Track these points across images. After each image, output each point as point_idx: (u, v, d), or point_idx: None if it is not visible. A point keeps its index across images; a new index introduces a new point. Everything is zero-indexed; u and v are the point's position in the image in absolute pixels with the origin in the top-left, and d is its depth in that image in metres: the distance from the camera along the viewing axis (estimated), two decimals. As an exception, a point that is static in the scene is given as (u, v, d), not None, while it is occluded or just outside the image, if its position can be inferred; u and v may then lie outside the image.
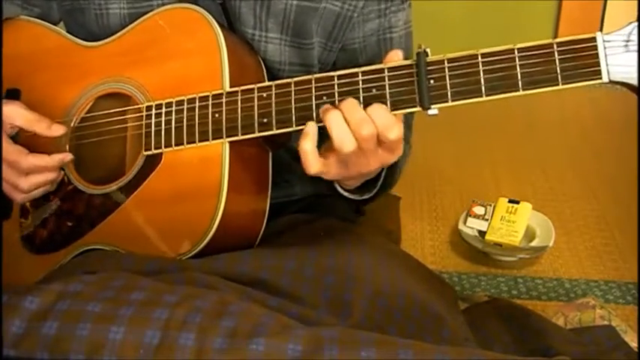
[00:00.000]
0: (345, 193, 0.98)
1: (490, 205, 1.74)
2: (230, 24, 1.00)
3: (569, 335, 1.15)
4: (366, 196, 1.00)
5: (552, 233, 1.68)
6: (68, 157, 0.99)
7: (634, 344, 1.18)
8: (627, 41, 0.78)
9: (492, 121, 2.30)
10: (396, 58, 0.86)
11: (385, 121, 0.82)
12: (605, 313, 1.25)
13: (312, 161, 0.84)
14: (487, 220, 1.71)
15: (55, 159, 0.97)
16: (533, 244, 1.68)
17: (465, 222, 1.74)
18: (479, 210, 1.73)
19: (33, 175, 0.97)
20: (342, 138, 0.82)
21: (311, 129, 0.85)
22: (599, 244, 1.73)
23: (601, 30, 0.80)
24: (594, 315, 1.25)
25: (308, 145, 0.84)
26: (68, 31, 1.08)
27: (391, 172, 0.98)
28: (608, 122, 2.35)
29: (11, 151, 0.95)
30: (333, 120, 0.83)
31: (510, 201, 1.73)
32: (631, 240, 1.71)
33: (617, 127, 2.31)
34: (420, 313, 0.92)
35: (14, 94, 1.05)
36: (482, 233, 1.71)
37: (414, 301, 0.93)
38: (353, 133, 0.82)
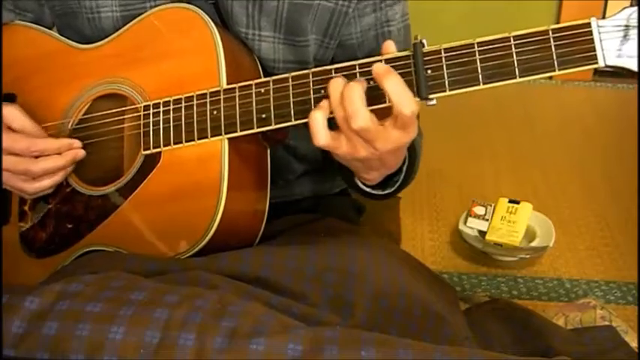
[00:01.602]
0: (367, 189, 0.97)
1: (490, 205, 1.74)
2: (223, 23, 1.00)
3: (569, 335, 1.15)
4: (388, 191, 0.99)
5: (552, 233, 1.68)
6: (80, 153, 0.98)
7: (634, 344, 1.17)
8: (621, 26, 0.79)
9: (493, 122, 2.30)
10: (391, 48, 0.85)
11: (400, 95, 0.80)
12: (605, 314, 1.25)
13: (321, 132, 0.83)
14: (487, 220, 1.71)
15: (68, 158, 0.97)
16: (534, 244, 1.68)
17: (465, 222, 1.74)
18: (479, 210, 1.73)
19: (43, 159, 0.96)
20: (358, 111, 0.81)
21: (324, 102, 0.84)
22: (600, 244, 1.73)
23: (601, 31, 0.80)
24: (595, 315, 1.25)
25: (319, 115, 0.83)
26: (61, 35, 1.07)
27: (411, 163, 0.98)
28: (609, 123, 2.36)
29: (20, 161, 0.95)
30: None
31: (511, 201, 1.73)
32: (631, 240, 1.71)
33: (618, 127, 2.31)
34: (421, 312, 0.92)
35: (9, 99, 1.05)
36: (482, 233, 1.71)
37: (416, 301, 0.93)
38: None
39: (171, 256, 0.93)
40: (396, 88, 0.81)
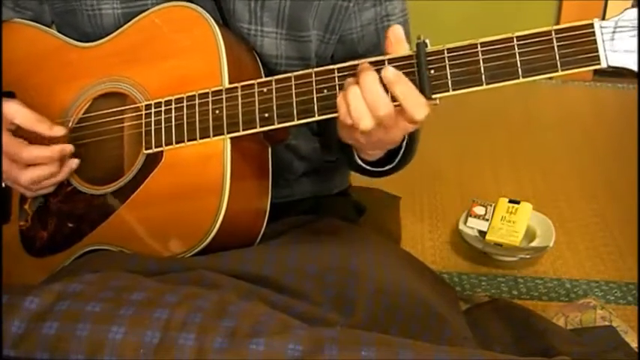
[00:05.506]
0: (367, 167, 0.98)
1: (490, 205, 1.74)
2: (225, 20, 1.00)
3: (569, 335, 1.15)
4: (387, 167, 0.99)
5: (553, 233, 1.68)
6: (68, 147, 0.98)
7: (635, 344, 1.17)
8: (623, 27, 0.79)
9: (493, 121, 2.30)
10: (398, 32, 0.85)
11: (412, 102, 0.82)
12: (605, 314, 1.25)
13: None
14: (487, 220, 1.71)
15: (56, 149, 0.97)
16: (534, 244, 1.68)
17: (465, 222, 1.74)
18: (479, 210, 1.73)
19: (33, 168, 0.96)
20: (360, 116, 0.82)
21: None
22: (600, 244, 1.73)
23: (602, 30, 0.80)
24: (595, 315, 1.25)
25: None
26: (61, 33, 1.07)
27: (412, 139, 0.98)
28: (609, 122, 2.35)
29: (12, 143, 0.95)
30: (352, 98, 0.82)
31: (511, 201, 1.73)
32: (631, 240, 1.71)
33: (618, 127, 2.31)
34: (422, 312, 0.92)
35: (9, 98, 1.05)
36: (482, 233, 1.71)
37: (417, 300, 0.93)
38: (370, 112, 0.82)
39: (173, 256, 0.93)
40: (407, 93, 0.81)
